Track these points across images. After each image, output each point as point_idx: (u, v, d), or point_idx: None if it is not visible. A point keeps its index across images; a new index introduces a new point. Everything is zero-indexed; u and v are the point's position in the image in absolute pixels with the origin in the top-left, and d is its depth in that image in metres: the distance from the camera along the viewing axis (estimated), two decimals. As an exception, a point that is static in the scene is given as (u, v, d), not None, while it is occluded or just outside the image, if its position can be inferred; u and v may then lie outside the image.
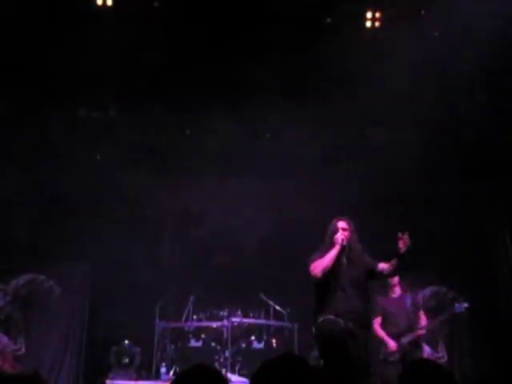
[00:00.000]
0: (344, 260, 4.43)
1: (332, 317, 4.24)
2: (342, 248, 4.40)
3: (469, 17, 5.44)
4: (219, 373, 2.23)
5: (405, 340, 5.73)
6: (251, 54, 6.21)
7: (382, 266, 4.40)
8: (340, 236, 4.43)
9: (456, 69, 6.23)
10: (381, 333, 5.91)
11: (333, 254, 4.36)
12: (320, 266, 4.34)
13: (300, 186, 7.49)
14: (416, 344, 5.77)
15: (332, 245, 4.42)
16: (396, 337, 5.78)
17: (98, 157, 7.60)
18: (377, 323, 5.98)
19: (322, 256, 4.40)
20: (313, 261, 4.40)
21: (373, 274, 4.45)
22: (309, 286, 4.66)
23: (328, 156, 7.64)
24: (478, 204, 7.25)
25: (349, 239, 4.46)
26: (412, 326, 5.81)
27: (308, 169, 7.48)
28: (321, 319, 4.29)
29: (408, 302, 5.97)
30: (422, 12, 5.64)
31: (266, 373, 2.03)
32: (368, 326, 4.46)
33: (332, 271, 4.34)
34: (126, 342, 7.30)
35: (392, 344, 5.76)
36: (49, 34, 5.92)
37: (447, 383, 2.19)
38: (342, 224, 4.53)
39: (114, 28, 5.92)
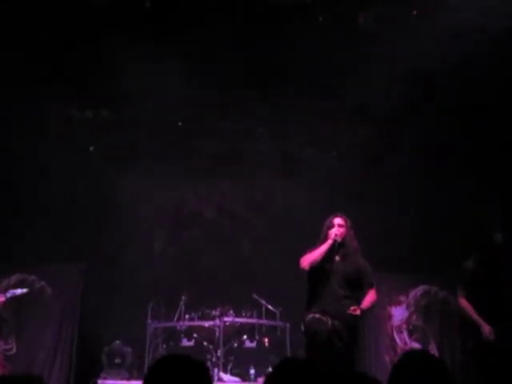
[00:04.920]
0: (336, 258, 4.42)
1: (319, 315, 4.24)
2: (335, 244, 4.39)
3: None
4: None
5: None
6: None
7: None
8: (334, 231, 4.42)
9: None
10: (471, 312, 4.51)
11: (323, 248, 4.36)
12: (308, 258, 4.35)
13: (293, 185, 7.50)
14: None
15: (326, 240, 4.42)
16: (494, 318, 4.35)
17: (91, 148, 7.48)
18: (462, 299, 4.65)
19: (313, 250, 4.41)
20: (304, 254, 4.42)
21: (361, 283, 4.45)
22: (301, 285, 4.67)
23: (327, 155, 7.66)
24: (473, 206, 7.24)
25: (343, 236, 4.45)
26: None
27: (300, 169, 7.50)
28: (308, 317, 4.29)
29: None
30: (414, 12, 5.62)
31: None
32: (356, 325, 4.40)
33: (323, 268, 4.35)
34: (118, 341, 7.25)
35: (488, 329, 4.35)
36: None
37: (439, 371, 2.20)
38: (338, 220, 4.51)
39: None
